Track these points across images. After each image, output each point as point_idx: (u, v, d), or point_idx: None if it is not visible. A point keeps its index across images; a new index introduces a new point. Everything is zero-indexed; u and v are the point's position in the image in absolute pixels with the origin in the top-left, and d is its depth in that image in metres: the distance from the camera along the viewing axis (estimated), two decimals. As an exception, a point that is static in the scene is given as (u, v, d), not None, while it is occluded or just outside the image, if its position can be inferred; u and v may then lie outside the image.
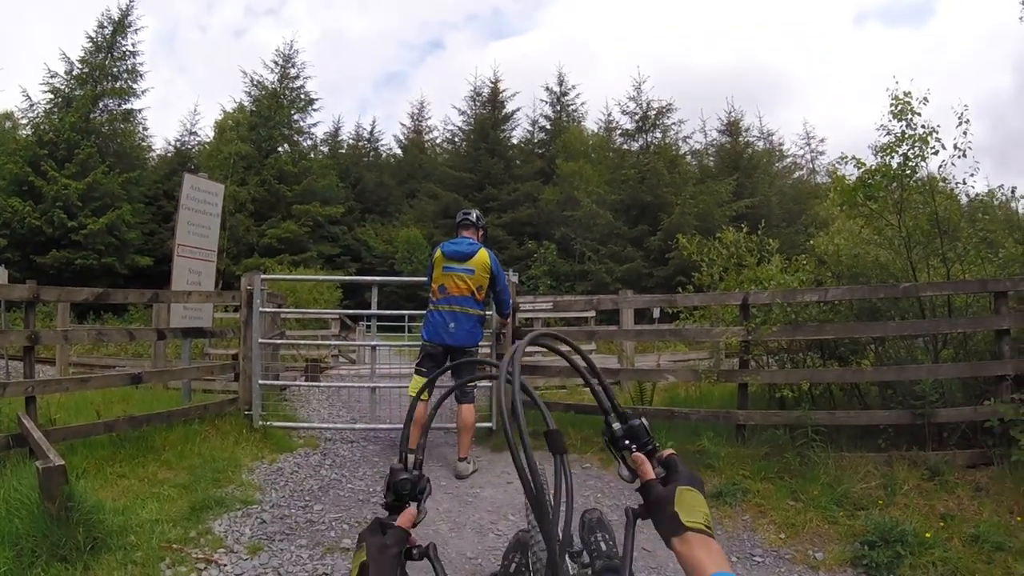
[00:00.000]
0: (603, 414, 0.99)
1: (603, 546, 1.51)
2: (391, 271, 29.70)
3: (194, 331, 6.10)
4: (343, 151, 39.01)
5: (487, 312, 5.19)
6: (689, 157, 32.02)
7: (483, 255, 4.98)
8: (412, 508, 1.01)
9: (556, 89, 35.69)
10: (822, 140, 36.26)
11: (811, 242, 6.25)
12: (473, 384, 4.37)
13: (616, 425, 0.96)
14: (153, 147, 31.94)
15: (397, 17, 74.51)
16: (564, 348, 1.03)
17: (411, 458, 1.08)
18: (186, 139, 33.45)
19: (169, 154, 33.20)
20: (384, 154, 41.25)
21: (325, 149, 36.65)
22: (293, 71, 31.40)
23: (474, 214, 5.27)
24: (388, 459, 5.20)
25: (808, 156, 35.98)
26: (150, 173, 29.66)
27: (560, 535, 0.94)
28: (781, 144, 35.39)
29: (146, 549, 3.18)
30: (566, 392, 7.32)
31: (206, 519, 3.69)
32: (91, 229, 22.97)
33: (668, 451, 0.94)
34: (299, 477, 4.64)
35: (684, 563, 0.80)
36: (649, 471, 0.91)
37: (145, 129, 29.33)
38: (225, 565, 3.17)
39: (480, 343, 5.20)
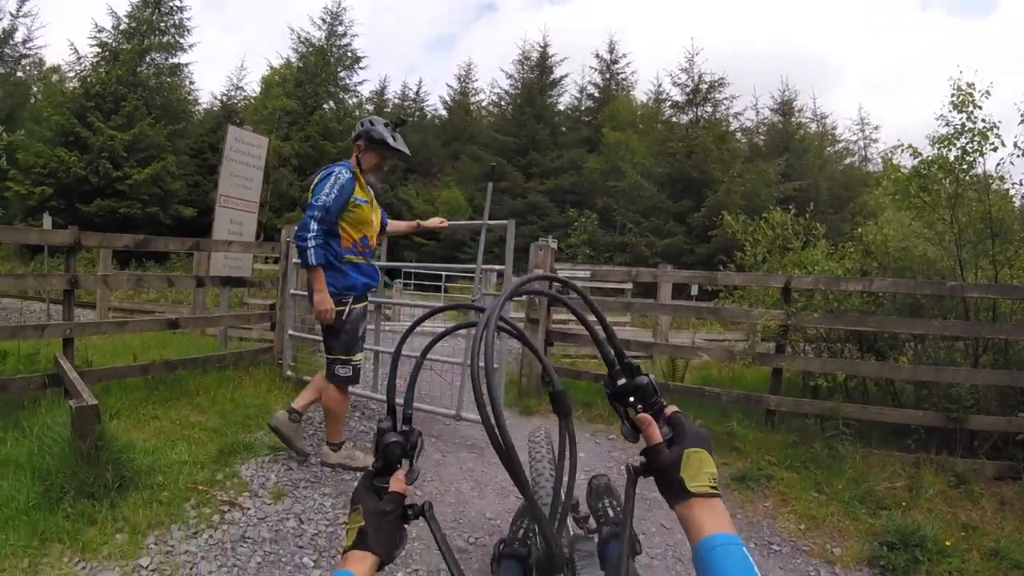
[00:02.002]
0: (607, 366, 0.93)
1: (610, 512, 1.49)
2: (429, 231, 29.79)
3: (233, 280, 6.18)
4: (388, 110, 38.99)
5: (340, 255, 3.70)
6: (739, 134, 31.17)
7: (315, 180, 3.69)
8: (403, 469, 0.98)
9: (607, 56, 34.94)
10: (876, 127, 34.59)
11: (859, 230, 6.01)
12: (342, 362, 3.70)
13: (622, 380, 0.91)
14: (199, 101, 32.44)
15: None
16: (562, 292, 0.98)
17: (400, 413, 1.03)
18: (232, 93, 33.89)
19: (215, 108, 33.70)
20: (429, 115, 41.22)
21: (370, 107, 36.66)
22: (340, 29, 31.39)
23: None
24: (416, 416, 5.26)
25: (861, 143, 34.41)
26: (195, 126, 30.18)
27: (564, 496, 0.95)
28: (834, 128, 34.00)
29: (172, 489, 3.27)
30: (597, 362, 7.25)
31: (234, 463, 3.78)
32: (136, 179, 23.47)
33: (672, 408, 0.90)
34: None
35: (684, 524, 0.81)
36: (656, 434, 0.87)
37: (192, 83, 29.75)
38: (248, 508, 3.24)
39: (336, 296, 3.74)
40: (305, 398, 3.94)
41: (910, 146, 5.28)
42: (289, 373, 5.56)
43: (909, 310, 5.05)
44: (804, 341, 5.47)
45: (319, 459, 3.96)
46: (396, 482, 0.94)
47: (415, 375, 1.08)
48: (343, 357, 3.71)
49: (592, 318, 0.97)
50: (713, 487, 0.81)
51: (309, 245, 3.48)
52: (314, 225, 3.49)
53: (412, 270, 6.52)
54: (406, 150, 3.87)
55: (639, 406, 0.89)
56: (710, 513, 0.79)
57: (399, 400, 1.07)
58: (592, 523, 1.57)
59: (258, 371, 5.59)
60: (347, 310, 3.68)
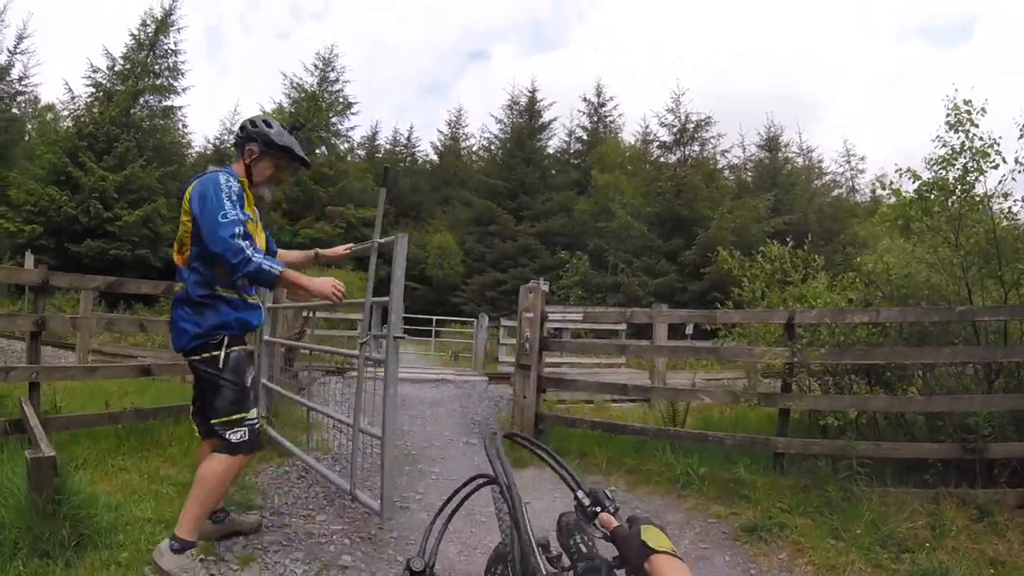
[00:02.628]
0: (572, 491, 1.09)
1: (583, 548, 1.33)
2: (421, 276, 29.88)
3: None
4: (380, 155, 39.38)
5: (212, 286, 2.85)
6: (727, 172, 31.58)
7: (191, 189, 2.83)
8: None
9: (594, 100, 35.66)
10: (862, 158, 35.42)
11: (858, 259, 5.85)
12: (232, 425, 2.84)
13: (581, 494, 1.07)
14: (193, 144, 32.68)
15: (441, 26, 75.51)
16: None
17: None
18: (226, 137, 34.14)
19: (208, 151, 33.99)
20: (420, 160, 41.75)
21: (362, 153, 37.02)
22: (333, 75, 31.94)
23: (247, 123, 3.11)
24: (402, 468, 4.95)
25: (848, 174, 35.07)
26: (188, 169, 30.21)
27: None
28: (820, 161, 34.59)
29: (133, 551, 2.97)
30: (592, 408, 7.00)
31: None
32: (126, 221, 23.35)
33: (629, 514, 1.01)
34: (305, 483, 4.40)
35: None
36: (614, 521, 1.00)
37: (185, 126, 29.94)
38: (213, 575, 2.93)
39: (204, 339, 2.85)
40: (189, 512, 2.80)
41: (909, 169, 5.14)
42: (265, 426, 5.25)
43: (916, 338, 4.85)
44: (809, 377, 5.24)
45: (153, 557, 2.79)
46: None
47: (443, 527, 1.15)
48: (233, 417, 2.83)
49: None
50: (674, 552, 0.87)
51: (253, 257, 2.65)
52: (240, 241, 2.64)
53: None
54: (307, 159, 3.25)
55: (598, 509, 1.04)
56: (674, 569, 0.83)
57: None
58: (566, 560, 1.48)
59: (236, 422, 5.30)
60: (221, 355, 2.82)
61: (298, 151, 3.13)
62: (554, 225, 29.80)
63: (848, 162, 35.06)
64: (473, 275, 29.76)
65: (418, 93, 74.15)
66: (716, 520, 4.01)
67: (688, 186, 25.18)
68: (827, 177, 34.12)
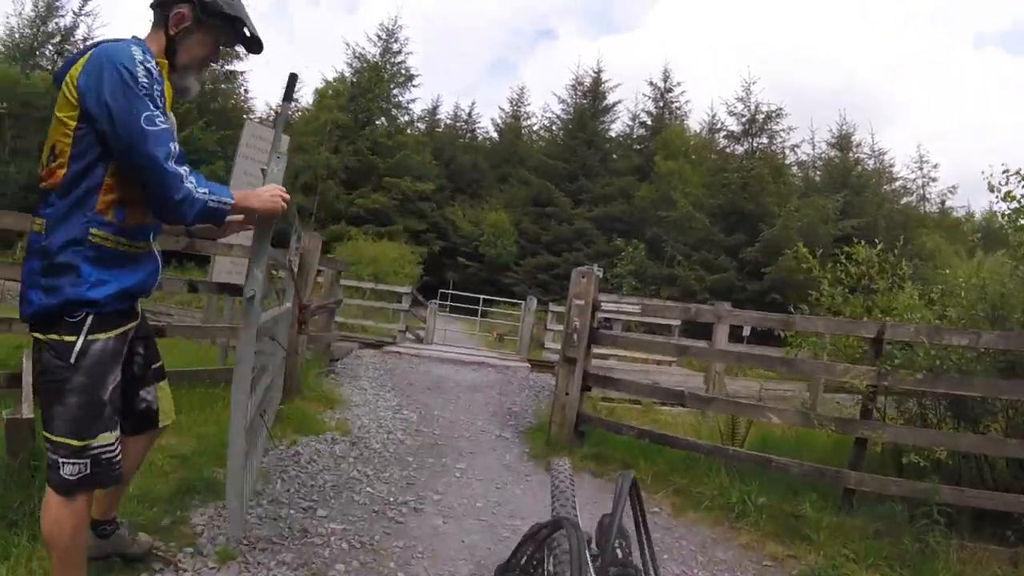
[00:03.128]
0: None
1: (619, 553, 1.48)
2: (475, 253, 29.61)
3: (229, 287, 5.50)
4: (440, 130, 39.20)
5: (87, 231, 1.79)
6: (795, 168, 30.02)
7: (79, 68, 1.76)
8: None
9: (661, 85, 34.23)
10: (935, 166, 32.87)
11: (946, 271, 5.09)
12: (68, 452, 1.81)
13: None
14: (254, 110, 33.09)
15: (509, 2, 74.54)
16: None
17: None
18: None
19: (270, 118, 34.61)
20: (480, 136, 41.51)
21: (422, 126, 36.83)
22: (395, 46, 31.67)
23: None
24: (424, 460, 4.52)
25: (920, 181, 32.76)
26: (248, 135, 30.64)
27: None
28: (891, 165, 32.41)
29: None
30: (640, 410, 6.43)
31: (190, 504, 3.09)
32: (183, 183, 23.70)
33: None
34: (314, 468, 4.01)
35: None
36: None
37: (246, 91, 30.23)
38: (186, 571, 2.54)
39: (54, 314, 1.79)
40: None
41: (1018, 172, 4.35)
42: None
43: (1005, 370, 4.09)
44: (891, 402, 4.53)
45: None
46: None
47: None
48: (72, 442, 1.80)
49: None
50: None
51: (197, 192, 1.80)
52: (177, 167, 1.78)
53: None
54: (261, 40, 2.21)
55: None
56: None
57: None
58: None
59: (255, 392, 4.99)
60: (79, 342, 1.79)
61: (250, 25, 2.13)
62: (612, 211, 28.99)
63: (920, 168, 32.79)
64: (526, 256, 29.29)
65: (482, 71, 73.51)
66: (772, 563, 3.42)
67: (756, 179, 23.95)
68: (897, 183, 31.97)
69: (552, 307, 12.85)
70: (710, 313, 4.85)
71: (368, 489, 3.82)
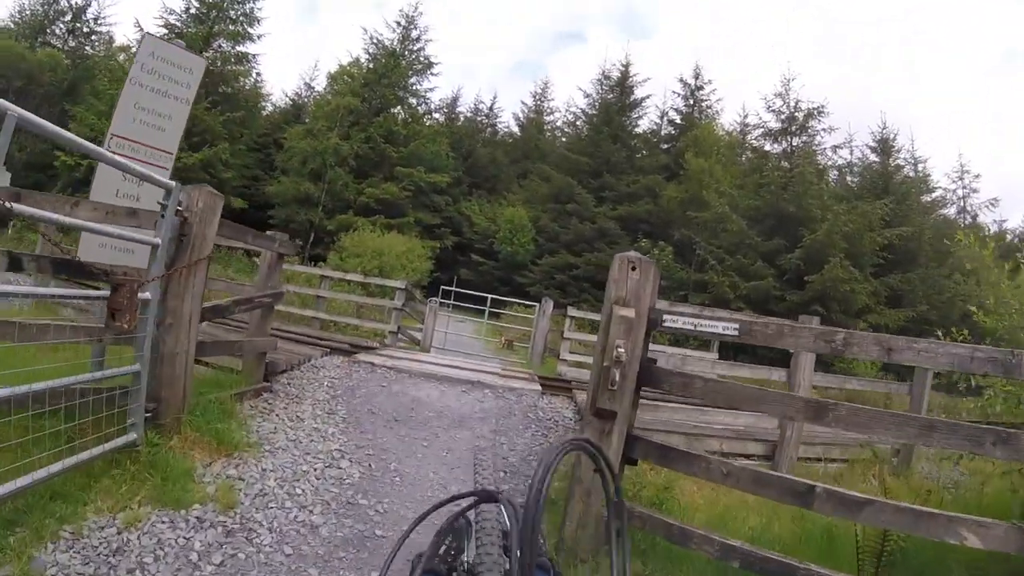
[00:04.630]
0: None
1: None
2: (489, 250, 28.05)
3: (64, 265, 3.50)
4: (459, 123, 37.72)
5: None
6: (834, 173, 27.91)
7: None
8: None
9: (691, 82, 32.09)
10: (977, 176, 30.57)
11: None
12: None
13: None
14: (270, 95, 32.13)
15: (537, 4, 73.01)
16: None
17: None
18: (303, 92, 33.81)
19: (287, 106, 34.00)
20: (501, 131, 40.11)
21: (440, 118, 35.32)
22: (415, 33, 30.00)
23: None
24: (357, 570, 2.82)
25: (960, 192, 30.42)
26: (262, 120, 29.52)
27: None
28: (929, 174, 30.07)
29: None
30: (695, 484, 4.36)
31: None
32: (184, 163, 22.35)
33: None
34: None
35: None
36: None
37: (259, 74, 28.81)
38: None
39: None
40: None
41: None
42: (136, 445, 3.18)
43: None
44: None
45: None
46: None
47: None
48: None
49: None
50: None
51: None
52: None
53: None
54: None
55: None
56: None
57: None
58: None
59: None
60: None
61: None
62: (638, 210, 27.07)
63: (961, 178, 30.44)
64: (544, 255, 27.50)
65: (508, 71, 71.96)
66: None
67: (800, 179, 21.88)
68: (936, 193, 29.60)
69: (572, 311, 11.08)
70: (872, 342, 2.67)
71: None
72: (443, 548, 1.25)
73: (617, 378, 2.72)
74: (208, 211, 3.67)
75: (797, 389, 5.62)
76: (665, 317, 2.91)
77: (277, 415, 4.61)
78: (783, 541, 3.27)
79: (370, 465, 4.12)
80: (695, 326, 2.86)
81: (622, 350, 2.69)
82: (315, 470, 3.84)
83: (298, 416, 4.71)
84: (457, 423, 5.33)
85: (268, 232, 5.43)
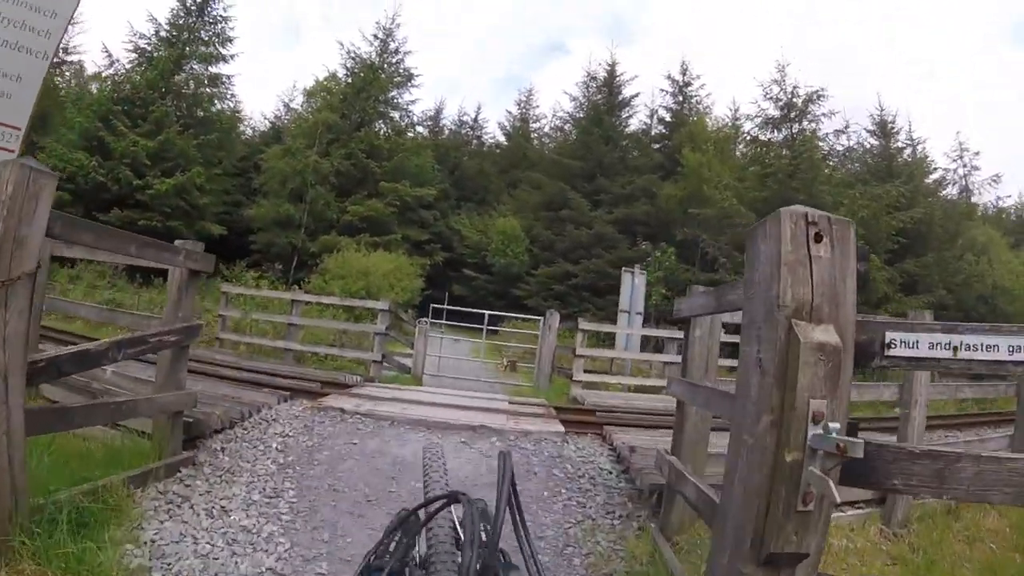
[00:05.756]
0: None
1: (483, 536, 1.05)
2: (482, 264, 26.71)
3: None
4: (444, 137, 36.57)
5: None
6: (835, 158, 26.78)
7: None
8: None
9: (679, 79, 30.89)
10: (977, 154, 29.53)
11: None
12: None
13: None
14: (246, 118, 30.93)
15: (520, 17, 72.44)
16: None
17: None
18: (281, 113, 32.76)
19: (265, 128, 32.91)
20: (487, 142, 39.02)
21: (423, 131, 34.09)
22: (393, 45, 28.77)
23: None
24: None
25: (960, 172, 29.37)
26: (241, 145, 28.32)
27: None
28: (928, 155, 29.04)
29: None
30: None
31: None
32: (158, 190, 20.96)
33: None
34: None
35: None
36: None
37: (233, 95, 27.41)
38: None
39: None
40: None
41: None
42: None
43: None
44: None
45: None
46: None
47: None
48: None
49: None
50: None
51: None
52: None
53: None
54: None
55: None
56: None
57: None
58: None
59: None
60: None
61: None
62: (635, 212, 25.79)
63: (960, 157, 29.38)
64: (539, 265, 26.14)
65: (492, 86, 71.02)
66: None
67: (806, 166, 20.69)
68: (936, 173, 28.53)
69: (583, 323, 9.69)
70: None
71: None
72: (394, 544, 1.07)
73: (814, 485, 1.31)
74: (25, 200, 2.30)
75: (914, 407, 4.28)
76: (891, 338, 1.52)
77: (193, 507, 3.15)
78: None
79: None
80: (954, 351, 1.49)
81: (830, 421, 1.29)
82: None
83: (223, 507, 3.20)
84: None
85: (176, 242, 3.94)
